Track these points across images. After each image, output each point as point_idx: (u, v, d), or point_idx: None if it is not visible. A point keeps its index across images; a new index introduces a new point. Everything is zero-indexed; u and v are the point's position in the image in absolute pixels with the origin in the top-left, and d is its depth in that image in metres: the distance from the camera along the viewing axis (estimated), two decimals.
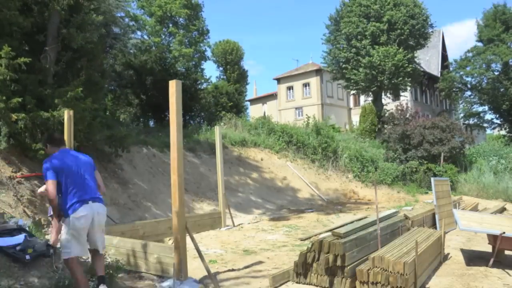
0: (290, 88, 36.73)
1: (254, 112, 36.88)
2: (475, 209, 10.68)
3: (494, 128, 30.71)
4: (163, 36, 20.36)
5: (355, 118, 31.13)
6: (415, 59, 25.54)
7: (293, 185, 15.18)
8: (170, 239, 7.04)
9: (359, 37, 24.21)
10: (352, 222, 7.46)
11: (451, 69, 30.16)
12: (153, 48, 19.59)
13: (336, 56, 25.33)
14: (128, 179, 10.26)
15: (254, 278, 5.22)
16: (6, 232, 4.64)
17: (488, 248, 6.24)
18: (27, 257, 4.17)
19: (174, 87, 4.69)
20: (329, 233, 6.37)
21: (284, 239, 8.01)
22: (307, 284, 4.81)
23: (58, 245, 4.48)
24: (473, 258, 6.13)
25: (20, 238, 4.49)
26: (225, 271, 5.56)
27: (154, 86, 17.75)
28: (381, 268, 4.40)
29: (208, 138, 14.98)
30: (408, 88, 26.95)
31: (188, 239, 4.84)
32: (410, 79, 25.39)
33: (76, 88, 8.01)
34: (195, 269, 5.41)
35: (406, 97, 29.26)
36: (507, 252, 5.93)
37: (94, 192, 3.96)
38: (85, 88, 8.46)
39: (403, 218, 6.99)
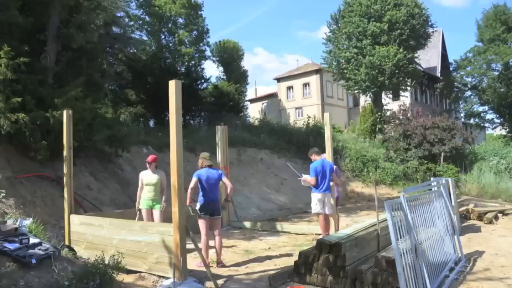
0: (290, 88, 36.71)
1: (254, 112, 36.86)
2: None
3: (495, 128, 30.69)
4: (163, 36, 20.34)
5: (357, 118, 31.14)
6: (416, 59, 25.53)
7: (293, 185, 15.16)
8: None
9: (359, 37, 24.20)
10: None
11: (451, 69, 30.14)
12: (153, 48, 19.58)
13: (337, 56, 25.32)
14: (128, 179, 10.24)
15: (254, 278, 5.22)
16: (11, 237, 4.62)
17: (489, 248, 6.24)
18: (33, 261, 4.19)
19: (174, 87, 4.68)
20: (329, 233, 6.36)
21: (284, 239, 8.01)
22: (307, 284, 4.80)
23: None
24: (473, 258, 6.12)
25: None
26: (225, 271, 5.55)
27: (154, 86, 17.73)
28: (381, 269, 4.40)
29: (208, 138, 14.96)
30: (408, 88, 26.95)
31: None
32: (410, 79, 25.36)
33: (76, 88, 8.01)
34: (195, 269, 5.41)
35: (406, 97, 29.25)
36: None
37: None
38: (85, 88, 8.47)
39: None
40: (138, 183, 6.93)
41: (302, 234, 8.39)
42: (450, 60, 32.17)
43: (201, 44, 20.96)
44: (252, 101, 40.09)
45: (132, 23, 18.58)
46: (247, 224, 9.52)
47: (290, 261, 5.59)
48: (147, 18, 19.77)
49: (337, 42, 25.36)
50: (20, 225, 5.14)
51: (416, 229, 4.62)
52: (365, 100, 29.50)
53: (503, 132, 29.77)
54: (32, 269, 4.18)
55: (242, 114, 25.94)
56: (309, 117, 20.94)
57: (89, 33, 8.72)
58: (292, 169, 6.96)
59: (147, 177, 6.85)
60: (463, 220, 9.21)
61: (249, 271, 5.56)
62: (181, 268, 4.62)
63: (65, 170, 6.48)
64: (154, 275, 5.05)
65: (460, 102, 31.17)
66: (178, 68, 19.98)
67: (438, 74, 34.56)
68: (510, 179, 15.74)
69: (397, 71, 23.43)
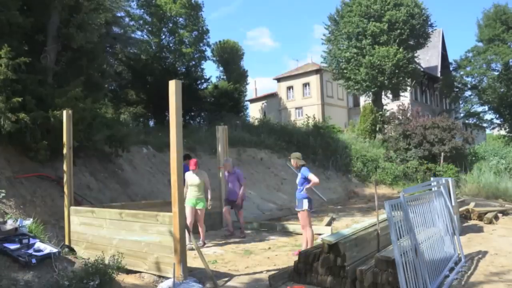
0: (290, 88, 36.71)
1: (254, 112, 36.87)
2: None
3: (494, 128, 30.73)
4: (163, 36, 20.36)
5: (357, 118, 31.17)
6: (415, 59, 25.55)
7: (293, 185, 15.11)
8: None
9: (359, 37, 24.21)
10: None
11: (451, 69, 30.14)
12: (153, 48, 19.58)
13: (337, 56, 25.33)
14: (128, 179, 10.24)
15: (254, 278, 5.22)
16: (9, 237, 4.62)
17: (489, 248, 6.23)
18: (33, 261, 4.19)
19: (174, 87, 4.68)
20: (330, 233, 6.37)
21: (284, 239, 8.02)
22: (307, 284, 4.80)
23: None
24: (473, 258, 6.12)
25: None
26: (225, 271, 5.55)
27: (154, 86, 17.74)
28: (381, 269, 4.40)
29: (208, 138, 14.96)
30: (408, 88, 26.96)
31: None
32: (410, 79, 25.39)
33: (76, 88, 8.01)
34: (195, 269, 5.41)
35: (406, 97, 29.28)
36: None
37: None
38: (85, 88, 8.45)
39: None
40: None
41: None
42: (450, 60, 32.15)
43: (201, 44, 20.98)
44: (252, 101, 40.11)
45: (132, 23, 18.61)
46: (247, 224, 9.51)
47: (290, 261, 5.59)
48: (147, 18, 19.79)
49: (337, 42, 25.37)
50: (20, 225, 5.13)
51: (416, 229, 4.62)
52: (365, 100, 29.50)
53: (503, 132, 29.80)
54: (32, 269, 4.17)
55: (242, 114, 25.96)
56: (309, 117, 20.94)
57: (89, 33, 8.70)
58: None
59: (190, 178, 7.27)
60: (463, 220, 9.21)
61: (249, 271, 5.56)
62: (181, 268, 4.62)
63: (65, 168, 6.47)
64: (154, 275, 5.04)
65: (460, 102, 31.20)
66: (178, 68, 20.00)
67: (438, 74, 34.57)
68: (510, 179, 15.75)
69: (397, 71, 23.45)
